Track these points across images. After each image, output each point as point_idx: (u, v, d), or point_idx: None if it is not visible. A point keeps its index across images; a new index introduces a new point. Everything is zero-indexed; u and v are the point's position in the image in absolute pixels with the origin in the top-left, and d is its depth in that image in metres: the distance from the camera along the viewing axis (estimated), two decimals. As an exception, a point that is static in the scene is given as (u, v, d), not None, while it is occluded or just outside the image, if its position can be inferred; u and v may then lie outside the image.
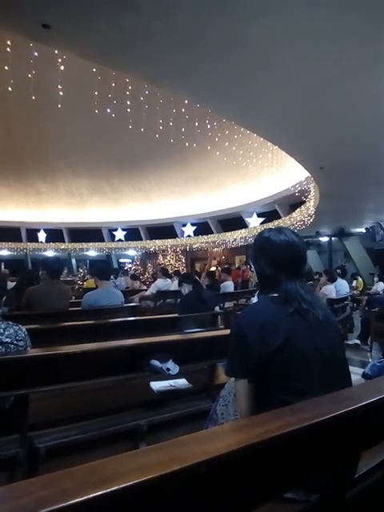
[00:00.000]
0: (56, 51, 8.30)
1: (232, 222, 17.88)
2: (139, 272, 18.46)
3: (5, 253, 21.42)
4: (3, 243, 21.15)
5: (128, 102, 10.63)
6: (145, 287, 10.01)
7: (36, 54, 9.18)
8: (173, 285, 8.00)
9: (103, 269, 4.66)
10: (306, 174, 9.84)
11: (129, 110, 10.85)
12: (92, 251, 22.47)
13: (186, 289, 4.66)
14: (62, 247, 21.96)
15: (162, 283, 8.15)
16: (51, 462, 1.86)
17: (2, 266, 14.94)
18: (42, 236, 21.80)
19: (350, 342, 6.45)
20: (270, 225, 15.67)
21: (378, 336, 6.02)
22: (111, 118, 11.52)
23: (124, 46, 4.11)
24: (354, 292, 10.96)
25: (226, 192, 17.02)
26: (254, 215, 16.89)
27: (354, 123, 5.90)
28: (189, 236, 19.75)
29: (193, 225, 19.56)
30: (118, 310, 4.28)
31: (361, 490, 1.17)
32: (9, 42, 8.88)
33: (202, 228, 19.19)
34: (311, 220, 13.11)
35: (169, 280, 8.44)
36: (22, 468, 1.84)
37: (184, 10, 3.48)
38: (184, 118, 11.19)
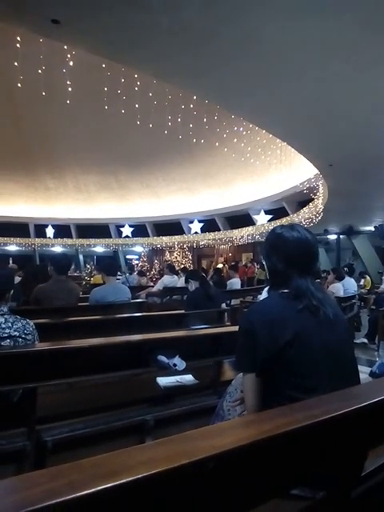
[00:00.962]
0: (65, 47, 8.31)
1: (239, 219, 17.83)
2: (146, 268, 18.52)
3: (13, 248, 21.60)
4: (12, 239, 21.33)
5: (137, 98, 10.62)
6: (151, 283, 10.05)
7: (45, 49, 9.19)
8: (179, 281, 8.01)
9: (110, 265, 4.67)
10: (315, 171, 9.77)
11: (137, 105, 10.84)
12: (99, 247, 22.56)
13: (193, 285, 4.66)
14: (70, 243, 22.07)
15: (168, 280, 8.16)
16: (58, 455, 1.88)
17: (11, 261, 15.05)
18: (49, 232, 21.94)
19: (358, 341, 6.41)
20: (278, 222, 15.60)
21: (385, 335, 5.98)
22: (120, 115, 11.51)
23: (134, 43, 4.10)
24: (362, 290, 10.87)
25: (234, 189, 16.97)
26: (262, 212, 16.83)
27: (363, 121, 5.84)
28: (196, 233, 19.75)
29: (200, 222, 19.55)
30: (125, 306, 4.29)
31: (367, 489, 1.16)
32: (19, 38, 8.90)
33: (209, 225, 19.17)
34: (319, 218, 13.03)
35: (175, 276, 8.44)
36: (29, 461, 1.86)
37: (195, 8, 3.47)
38: (192, 115, 11.15)
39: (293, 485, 1.08)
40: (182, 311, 4.40)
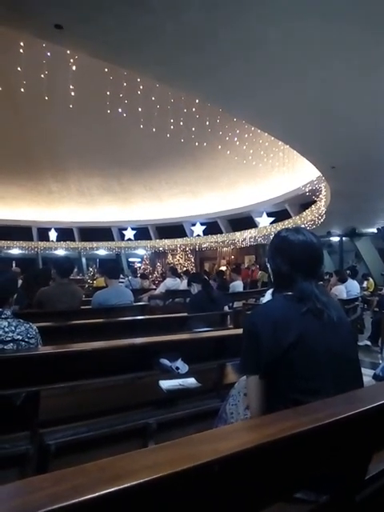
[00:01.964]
0: (68, 51, 8.36)
1: (242, 221, 17.82)
2: (148, 271, 18.52)
3: (16, 251, 21.65)
4: (15, 242, 21.37)
5: (139, 102, 10.66)
6: (154, 286, 10.05)
7: (48, 54, 9.24)
8: (182, 284, 8.00)
9: (113, 268, 4.68)
10: (318, 173, 9.76)
11: (140, 109, 10.89)
12: (102, 250, 22.59)
13: (196, 288, 4.66)
14: (73, 246, 22.11)
15: (171, 282, 8.15)
16: (61, 459, 1.88)
17: (14, 265, 15.08)
18: (52, 235, 21.99)
19: (361, 344, 6.39)
20: (280, 225, 15.59)
21: (389, 337, 5.95)
22: (122, 118, 11.56)
23: (136, 46, 4.12)
24: (365, 293, 10.84)
25: (236, 191, 16.97)
26: (264, 215, 16.82)
27: (366, 123, 5.84)
28: (198, 235, 19.74)
29: (202, 224, 19.55)
30: (128, 309, 4.29)
31: (371, 492, 1.15)
32: (22, 43, 8.96)
33: (212, 227, 19.16)
34: (322, 220, 13.01)
35: (178, 279, 8.44)
36: (32, 464, 1.85)
37: (196, 10, 3.48)
38: (195, 118, 11.18)
39: (297, 488, 1.07)
40: (185, 314, 4.40)
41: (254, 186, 16.19)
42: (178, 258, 20.89)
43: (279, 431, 0.84)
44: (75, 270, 16.56)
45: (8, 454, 1.82)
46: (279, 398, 1.26)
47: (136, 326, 3.68)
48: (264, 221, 16.85)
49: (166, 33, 3.82)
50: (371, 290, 11.70)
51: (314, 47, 4.07)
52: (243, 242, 18.10)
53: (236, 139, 12.99)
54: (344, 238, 16.32)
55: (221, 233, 18.98)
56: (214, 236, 19.12)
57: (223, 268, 16.32)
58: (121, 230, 21.77)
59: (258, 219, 17.10)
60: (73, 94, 9.93)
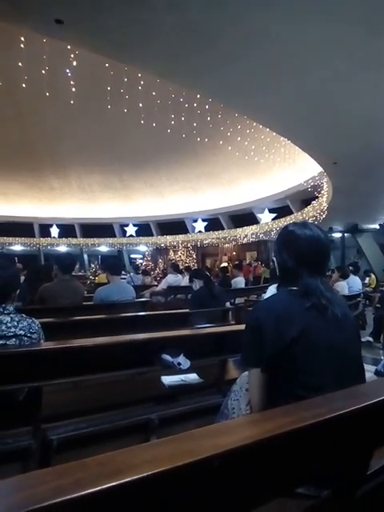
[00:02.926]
0: (69, 47, 8.33)
1: (243, 217, 17.81)
2: (150, 267, 18.53)
3: (18, 248, 21.70)
4: (17, 238, 21.43)
5: (140, 98, 10.63)
6: (155, 283, 10.06)
7: (49, 50, 9.21)
8: (183, 280, 8.01)
9: (115, 264, 4.68)
10: (319, 169, 9.73)
11: (141, 105, 10.85)
12: (103, 247, 22.62)
13: (197, 284, 4.65)
14: (74, 242, 22.15)
15: (172, 279, 8.16)
16: (63, 453, 1.88)
17: (16, 261, 15.09)
18: (54, 231, 22.03)
19: (363, 340, 6.36)
20: (282, 221, 15.58)
21: (390, 333, 5.95)
22: (123, 114, 11.53)
23: (137, 42, 4.11)
24: (367, 289, 10.83)
25: (238, 188, 16.95)
26: (266, 211, 16.80)
27: (367, 119, 5.81)
28: (200, 232, 19.74)
29: (204, 220, 19.54)
30: (130, 305, 4.30)
31: (372, 487, 1.16)
32: (22, 38, 8.93)
33: (213, 224, 19.15)
34: (324, 216, 12.99)
35: (179, 275, 8.44)
36: (34, 459, 1.86)
37: (198, 7, 3.47)
38: (196, 113, 11.15)
39: (298, 483, 1.07)
40: (187, 310, 4.40)
41: (256, 181, 16.16)
42: (179, 254, 20.91)
43: (280, 426, 0.84)
44: (77, 266, 16.59)
45: (11, 449, 1.83)
46: (281, 392, 1.26)
47: (138, 322, 3.69)
48: (265, 217, 16.83)
49: (167, 29, 3.80)
50: (373, 286, 11.68)
51: (316, 44, 4.05)
52: (245, 239, 18.09)
53: (237, 135, 12.95)
54: (346, 234, 16.29)
55: (222, 229, 18.97)
56: (216, 232, 19.11)
57: (225, 264, 16.32)
58: (122, 226, 21.79)
59: (259, 215, 17.08)
60: (73, 89, 9.92)
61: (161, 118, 11.70)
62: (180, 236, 20.31)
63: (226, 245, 20.56)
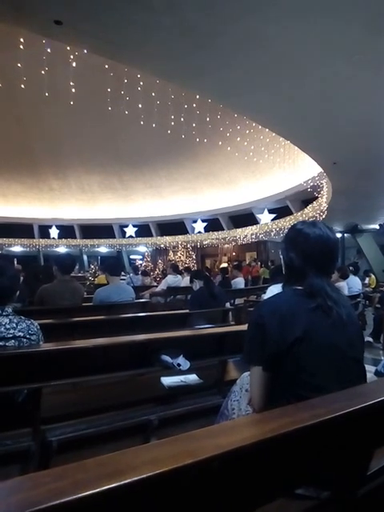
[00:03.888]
0: (68, 48, 8.33)
1: (243, 218, 17.81)
2: (150, 268, 18.52)
3: (18, 249, 21.69)
4: (16, 239, 21.42)
5: (139, 99, 10.63)
6: (155, 283, 10.06)
7: (48, 50, 9.21)
8: (183, 281, 8.00)
9: (114, 265, 4.68)
10: (319, 169, 9.74)
11: (140, 106, 10.85)
12: (103, 247, 22.61)
13: (197, 285, 4.65)
14: (74, 243, 22.14)
15: (172, 279, 8.15)
16: (63, 455, 1.88)
17: (15, 262, 15.08)
18: (54, 232, 22.01)
19: (362, 340, 6.37)
20: (282, 221, 15.58)
21: (390, 334, 5.95)
22: (123, 115, 11.53)
23: (136, 43, 4.11)
24: (367, 289, 10.82)
25: (237, 188, 16.95)
26: (265, 211, 16.80)
27: (367, 119, 5.82)
28: (199, 232, 19.74)
29: (203, 221, 19.55)
30: (129, 306, 4.30)
31: (373, 488, 1.15)
32: (22, 40, 8.93)
33: (213, 224, 19.16)
34: (324, 216, 12.98)
35: (179, 276, 8.44)
36: (34, 461, 1.86)
37: (197, 8, 3.47)
38: (195, 114, 11.15)
39: (298, 484, 1.07)
40: (186, 311, 4.40)
41: (255, 182, 16.17)
42: (179, 254, 20.89)
43: (280, 427, 0.83)
44: (77, 267, 16.59)
45: (10, 451, 1.83)
46: (282, 392, 1.26)
47: (137, 323, 3.69)
48: (265, 217, 16.84)
49: (166, 29, 3.80)
50: (373, 286, 11.68)
51: (315, 45, 4.06)
52: (244, 239, 18.09)
53: (237, 135, 12.95)
54: (346, 235, 16.30)
55: (222, 229, 18.97)
56: (215, 233, 19.11)
57: (224, 265, 16.32)
58: (122, 227, 21.79)
59: (259, 216, 17.09)
60: (73, 90, 9.91)
61: (160, 118, 11.71)
62: (180, 236, 20.30)
63: (226, 245, 20.56)
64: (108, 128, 14.65)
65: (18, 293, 2.20)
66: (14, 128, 15.05)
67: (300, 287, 1.35)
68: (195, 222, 19.78)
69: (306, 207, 14.61)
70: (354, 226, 15.17)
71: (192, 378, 2.56)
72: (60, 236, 22.01)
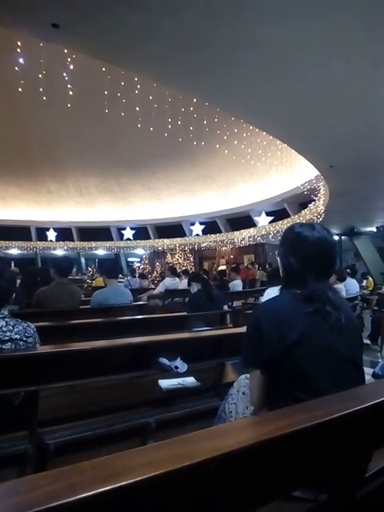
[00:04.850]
0: (65, 51, 8.35)
1: (240, 220, 17.83)
2: (147, 271, 18.51)
3: (15, 251, 21.62)
4: (13, 242, 21.35)
5: (137, 102, 10.65)
6: (153, 286, 10.05)
7: (46, 54, 9.22)
8: (181, 284, 8.00)
9: (112, 267, 4.68)
10: (316, 172, 9.77)
11: (138, 108, 10.87)
12: (101, 250, 22.57)
13: (195, 287, 4.66)
14: (72, 246, 22.09)
15: (170, 282, 8.15)
16: (60, 458, 1.87)
17: (12, 265, 15.06)
18: (51, 235, 21.97)
19: (360, 342, 6.37)
20: (279, 223, 15.61)
21: (388, 336, 5.95)
22: (120, 118, 11.55)
23: (133, 46, 4.12)
24: (364, 292, 10.83)
25: (235, 191, 16.98)
26: (263, 214, 16.84)
27: (364, 122, 5.84)
28: (197, 235, 19.76)
29: (201, 224, 19.56)
30: (127, 309, 4.29)
31: (371, 490, 1.15)
32: (19, 43, 8.95)
33: (211, 227, 19.17)
34: (321, 219, 13.01)
35: (177, 279, 8.44)
36: (31, 464, 1.85)
37: (194, 10, 3.48)
38: (192, 117, 11.17)
39: (295, 487, 1.07)
40: (184, 313, 4.40)
41: (253, 185, 16.20)
42: (177, 257, 20.89)
43: (277, 429, 0.83)
44: (74, 269, 16.56)
45: (7, 454, 1.82)
46: (281, 395, 1.26)
47: (135, 326, 3.68)
48: (263, 220, 16.88)
49: (163, 32, 3.81)
50: (370, 288, 11.70)
51: (313, 47, 4.07)
52: (242, 242, 18.11)
53: (234, 138, 12.99)
54: (343, 237, 16.33)
55: (220, 232, 18.98)
56: (213, 235, 19.12)
57: (223, 267, 16.32)
58: (120, 229, 21.76)
59: (256, 218, 17.12)
60: (71, 93, 9.93)
61: (158, 121, 11.72)
62: (177, 239, 20.30)
63: (224, 248, 20.56)
64: (106, 131, 14.66)
65: (14, 295, 2.19)
66: (12, 130, 15.03)
67: (298, 291, 1.35)
68: (193, 224, 19.79)
69: (303, 210, 14.64)
70: (351, 228, 15.21)
71: (190, 380, 2.56)
72: (57, 238, 21.96)
